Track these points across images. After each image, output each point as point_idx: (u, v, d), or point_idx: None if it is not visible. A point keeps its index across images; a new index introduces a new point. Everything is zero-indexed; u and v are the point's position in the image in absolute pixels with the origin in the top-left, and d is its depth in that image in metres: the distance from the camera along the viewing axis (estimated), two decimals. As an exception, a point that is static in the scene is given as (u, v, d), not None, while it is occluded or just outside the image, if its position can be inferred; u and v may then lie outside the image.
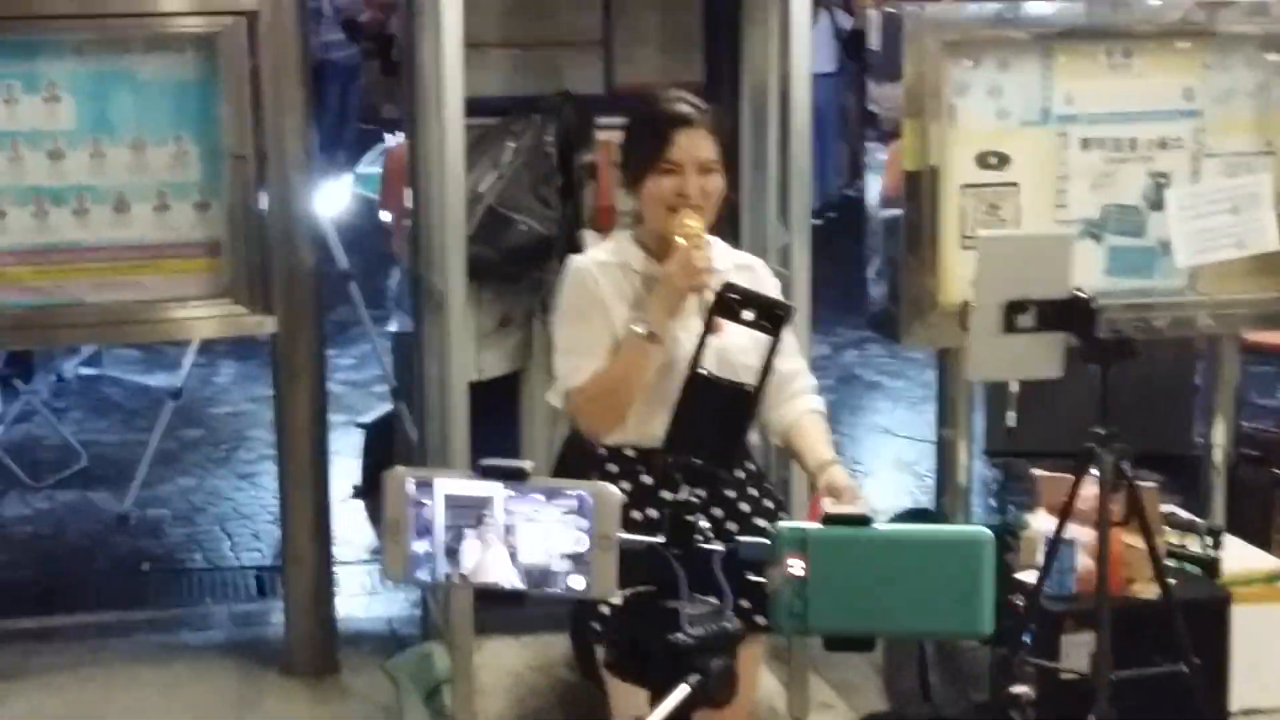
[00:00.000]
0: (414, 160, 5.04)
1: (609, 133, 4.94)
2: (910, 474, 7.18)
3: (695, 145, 3.38)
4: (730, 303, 1.83)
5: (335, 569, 5.38)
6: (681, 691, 1.78)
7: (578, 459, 3.58)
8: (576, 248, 4.99)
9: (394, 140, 7.08)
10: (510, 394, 5.28)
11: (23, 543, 6.47)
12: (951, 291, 4.98)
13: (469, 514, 1.81)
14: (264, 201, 4.91)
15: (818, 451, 3.44)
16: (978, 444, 6.11)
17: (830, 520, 1.80)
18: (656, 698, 1.79)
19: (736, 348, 2.91)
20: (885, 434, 7.78)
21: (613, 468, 3.42)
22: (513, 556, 1.80)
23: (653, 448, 3.31)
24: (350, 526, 6.35)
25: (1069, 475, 4.40)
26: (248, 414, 7.83)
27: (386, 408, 6.88)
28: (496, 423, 5.11)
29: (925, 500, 6.44)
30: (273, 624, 5.50)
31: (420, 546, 1.82)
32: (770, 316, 1.84)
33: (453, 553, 1.81)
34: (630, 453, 3.42)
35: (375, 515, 6.65)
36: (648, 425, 3.26)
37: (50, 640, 5.38)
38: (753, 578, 1.83)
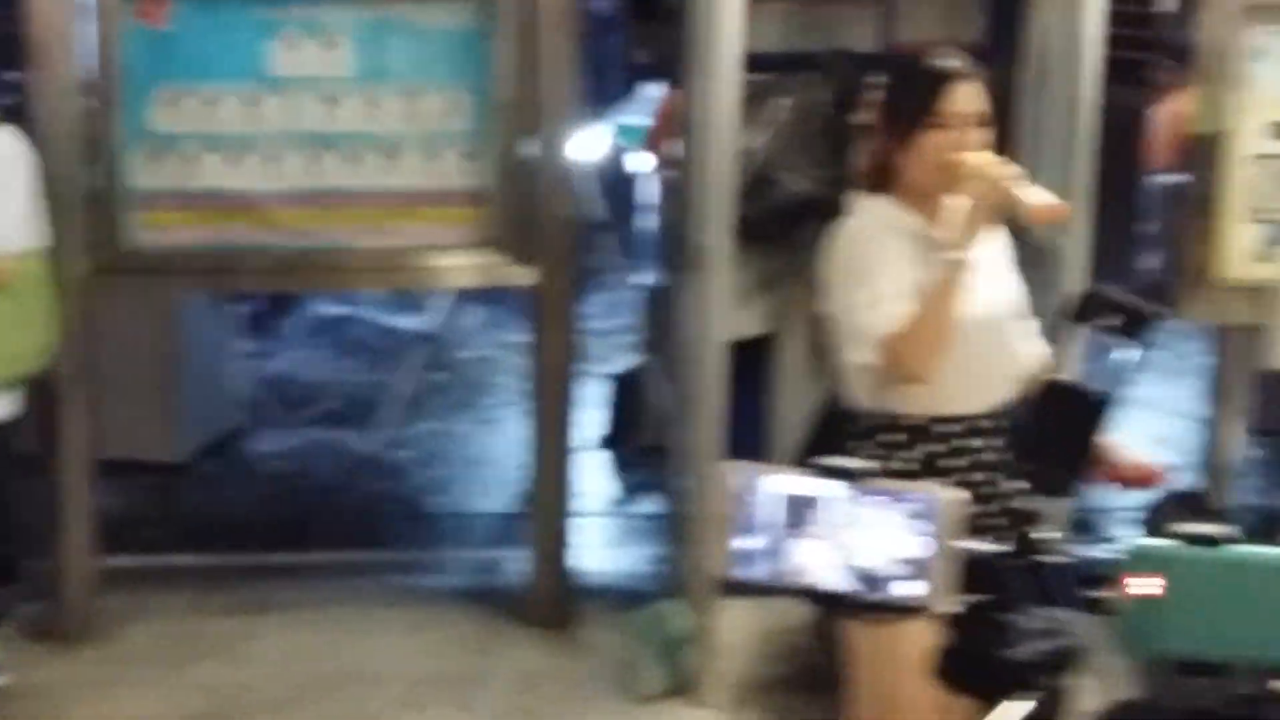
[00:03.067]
0: (685, 114, 4.96)
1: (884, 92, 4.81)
2: (1170, 450, 6.91)
3: (971, 98, 3.34)
4: (1096, 308, 1.71)
5: (577, 521, 5.35)
6: (1020, 709, 1.69)
7: (839, 429, 3.47)
8: (845, 209, 4.91)
9: (655, 89, 7.01)
10: (764, 356, 5.19)
11: (274, 478, 6.58)
12: (1233, 266, 4.77)
13: (805, 512, 1.73)
14: (531, 151, 4.87)
15: None
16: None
17: (1187, 539, 1.68)
18: (988, 710, 1.70)
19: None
20: (1144, 407, 7.50)
21: (899, 436, 3.33)
22: (848, 559, 1.71)
23: (971, 414, 3.30)
24: (593, 478, 6.34)
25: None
26: (493, 360, 7.86)
27: (634, 359, 6.85)
28: (749, 384, 5.04)
29: (1185, 479, 6.19)
30: (512, 572, 5.51)
31: (753, 542, 1.75)
32: (1136, 322, 1.72)
33: (784, 551, 1.74)
34: (957, 426, 3.31)
35: (619, 467, 6.64)
36: (935, 390, 3.23)
37: (299, 576, 5.48)
38: (1097, 593, 1.72)
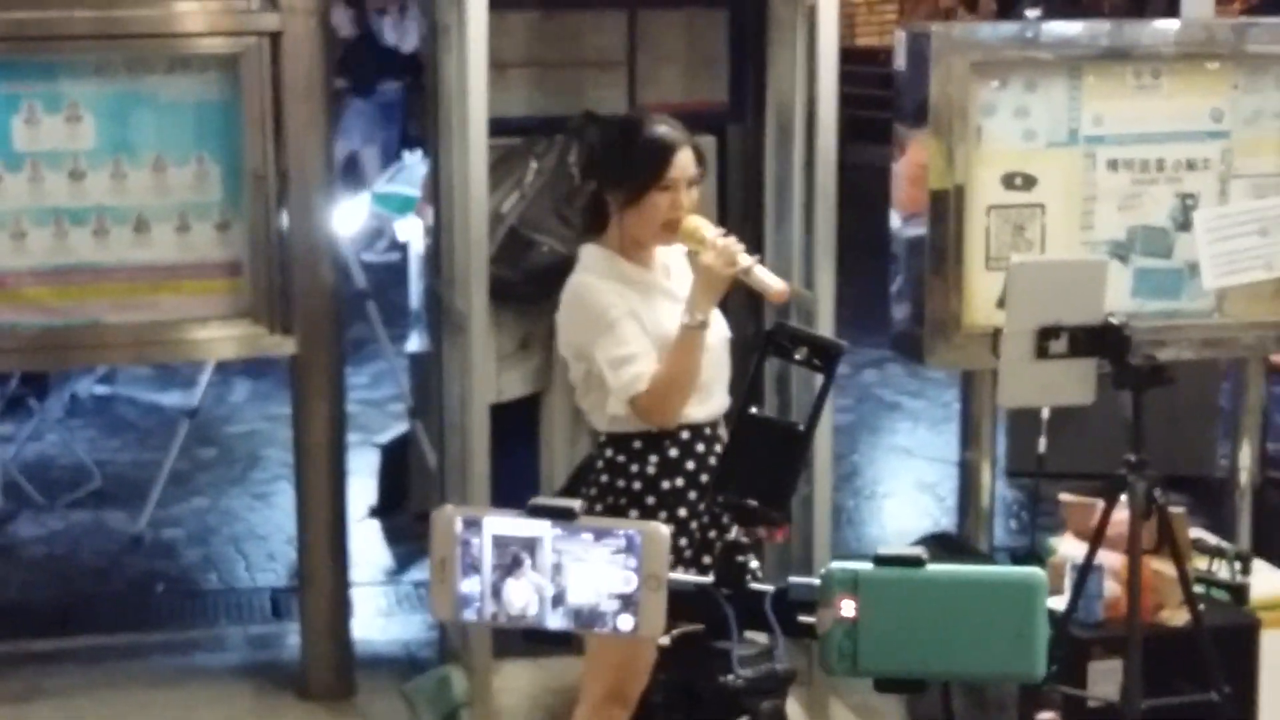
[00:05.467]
0: (436, 180, 5.02)
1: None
2: (931, 496, 7.13)
3: (687, 163, 3.76)
4: (782, 342, 1.79)
5: (352, 591, 5.33)
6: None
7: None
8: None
9: (416, 158, 7.07)
10: (530, 416, 5.24)
11: (37, 563, 6.43)
12: (976, 313, 4.95)
13: (520, 553, 1.77)
14: (284, 222, 4.88)
15: None
16: (999, 465, 6.08)
17: (882, 560, 1.76)
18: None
19: None
20: (905, 455, 7.73)
21: (673, 451, 3.76)
22: (561, 596, 1.76)
23: (699, 422, 3.78)
24: (366, 547, 6.31)
25: (1095, 500, 4.37)
26: (262, 433, 7.79)
27: (403, 427, 6.86)
28: (516, 445, 5.08)
29: (946, 523, 6.39)
30: (288, 646, 5.47)
31: (468, 586, 1.79)
32: (823, 356, 1.81)
33: (500, 592, 1.78)
34: (685, 434, 3.76)
35: (391, 535, 6.63)
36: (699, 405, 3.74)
37: (65, 662, 5.35)
38: (803, 618, 1.79)
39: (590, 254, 3.85)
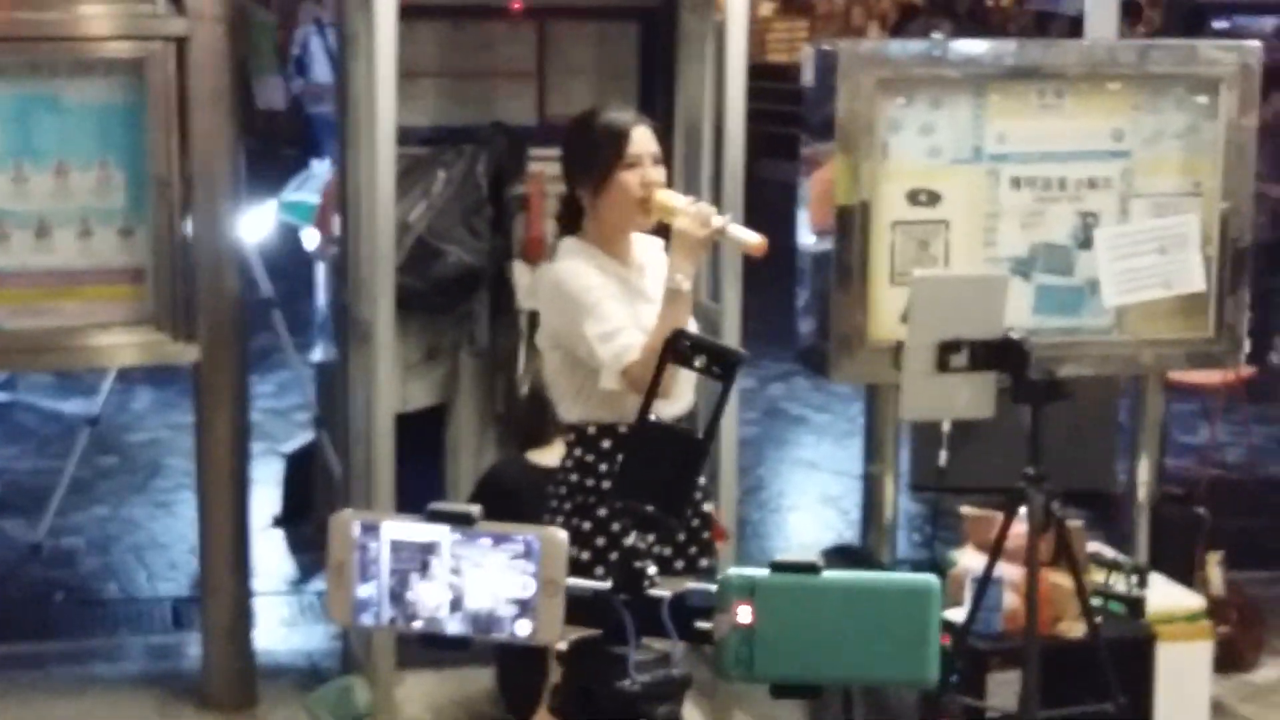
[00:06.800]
0: (344, 189, 5.00)
1: (541, 164, 4.93)
2: (835, 509, 7.18)
3: (648, 140, 3.78)
4: (682, 349, 1.81)
5: (254, 600, 5.30)
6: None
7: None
8: (506, 279, 5.02)
9: (323, 166, 7.03)
10: (435, 426, 5.24)
11: (-68, 572, 6.34)
12: (881, 327, 4.99)
13: (415, 558, 1.77)
14: (189, 228, 4.84)
15: None
16: (904, 479, 6.13)
17: (778, 567, 1.78)
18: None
19: None
20: (810, 468, 7.78)
21: (606, 443, 3.73)
22: (459, 602, 1.76)
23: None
24: (270, 557, 6.27)
25: (995, 513, 4.43)
26: (165, 441, 7.71)
27: (308, 436, 6.81)
28: (421, 455, 5.07)
29: (850, 536, 6.44)
30: (189, 656, 5.43)
31: (365, 590, 1.78)
32: (722, 364, 1.82)
33: (397, 597, 1.78)
34: (623, 429, 3.68)
35: (296, 545, 6.58)
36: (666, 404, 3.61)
37: (-38, 672, 5.29)
38: (700, 624, 1.80)
39: (568, 245, 3.82)
